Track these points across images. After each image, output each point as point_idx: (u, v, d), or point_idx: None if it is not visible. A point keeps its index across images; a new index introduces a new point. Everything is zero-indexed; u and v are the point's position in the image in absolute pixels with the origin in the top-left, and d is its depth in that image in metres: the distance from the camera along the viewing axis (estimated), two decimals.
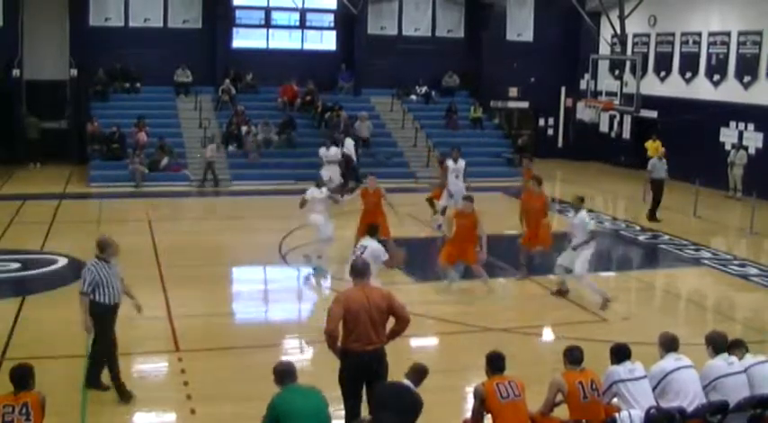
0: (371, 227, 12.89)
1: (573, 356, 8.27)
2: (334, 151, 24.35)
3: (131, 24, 29.94)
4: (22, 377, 7.38)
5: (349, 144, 26.21)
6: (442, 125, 31.08)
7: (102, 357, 9.96)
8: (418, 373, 7.83)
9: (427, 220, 20.61)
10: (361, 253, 11.60)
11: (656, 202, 21.79)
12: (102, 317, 9.78)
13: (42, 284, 14.82)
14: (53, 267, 15.87)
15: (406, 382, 7.74)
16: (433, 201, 20.73)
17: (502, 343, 10.69)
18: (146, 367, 11.19)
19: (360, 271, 8.64)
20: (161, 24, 30.30)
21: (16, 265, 15.93)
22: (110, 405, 9.68)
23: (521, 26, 33.72)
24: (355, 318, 8.26)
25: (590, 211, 23.07)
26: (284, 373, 7.44)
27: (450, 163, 20.20)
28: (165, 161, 25.98)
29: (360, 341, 8.27)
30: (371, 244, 12.07)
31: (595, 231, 14.46)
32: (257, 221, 21.68)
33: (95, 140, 26.87)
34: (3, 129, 27.89)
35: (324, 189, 16.08)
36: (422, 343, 12.44)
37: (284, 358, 8.77)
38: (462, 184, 19.95)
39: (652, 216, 21.71)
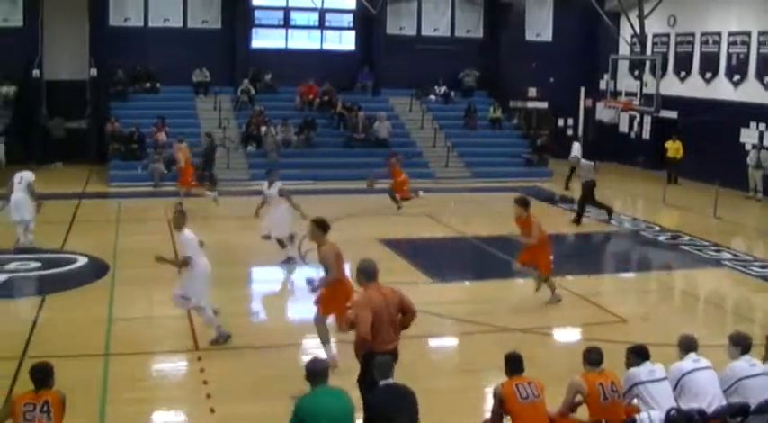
0: None
1: (592, 358, 8.22)
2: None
3: (151, 24, 30.08)
4: (43, 375, 7.42)
5: (576, 147, 26.84)
6: (461, 125, 31.04)
7: None
8: (387, 366, 7.67)
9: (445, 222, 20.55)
10: None
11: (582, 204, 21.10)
12: None
13: (62, 284, 14.90)
14: (73, 267, 15.98)
15: (390, 380, 7.57)
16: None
17: (520, 343, 10.64)
18: (165, 366, 11.22)
19: (371, 273, 8.66)
20: (180, 25, 30.43)
21: (36, 264, 16.03)
22: (129, 404, 9.71)
23: (540, 26, 33.65)
24: (380, 319, 8.34)
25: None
26: (316, 373, 7.27)
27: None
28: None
29: (383, 341, 8.34)
30: None
31: None
32: None
33: (115, 140, 27.02)
34: (23, 129, 28.06)
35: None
36: (440, 343, 12.44)
37: (314, 357, 8.57)
38: None
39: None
